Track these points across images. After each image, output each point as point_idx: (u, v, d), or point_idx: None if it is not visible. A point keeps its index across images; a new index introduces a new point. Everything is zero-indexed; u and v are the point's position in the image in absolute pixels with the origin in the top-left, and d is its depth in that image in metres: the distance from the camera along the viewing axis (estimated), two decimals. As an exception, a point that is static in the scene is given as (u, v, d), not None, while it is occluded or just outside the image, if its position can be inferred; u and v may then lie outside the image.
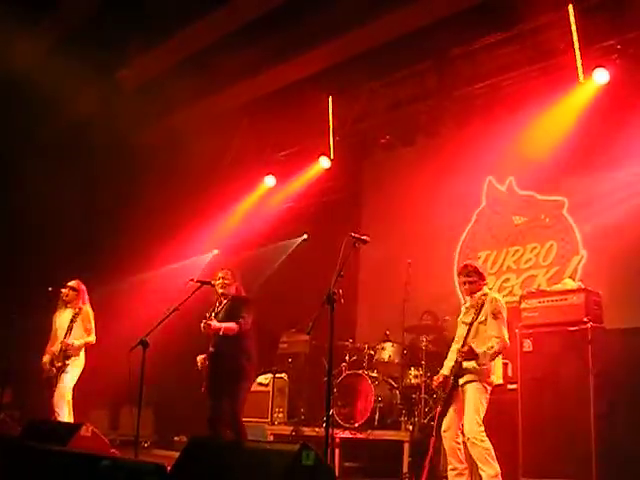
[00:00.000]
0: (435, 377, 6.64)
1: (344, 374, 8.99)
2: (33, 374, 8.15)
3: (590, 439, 6.65)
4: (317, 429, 8.74)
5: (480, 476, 6.07)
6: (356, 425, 8.51)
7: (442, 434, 6.28)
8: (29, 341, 8.51)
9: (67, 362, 7.84)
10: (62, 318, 8.16)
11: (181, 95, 10.51)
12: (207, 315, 7.04)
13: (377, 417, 8.49)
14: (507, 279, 9.67)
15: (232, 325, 6.85)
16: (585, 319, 7.07)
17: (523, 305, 7.65)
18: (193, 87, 10.50)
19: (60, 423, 7.37)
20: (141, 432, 6.67)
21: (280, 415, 9.92)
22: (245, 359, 7.00)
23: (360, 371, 8.87)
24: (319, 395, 8.68)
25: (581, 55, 8.40)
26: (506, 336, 6.32)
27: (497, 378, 6.70)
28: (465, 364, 6.22)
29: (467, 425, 6.10)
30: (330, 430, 5.53)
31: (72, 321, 7.98)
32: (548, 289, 7.97)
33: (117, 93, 10.67)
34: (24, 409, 10.25)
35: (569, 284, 7.80)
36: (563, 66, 8.72)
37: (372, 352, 9.16)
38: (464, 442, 6.18)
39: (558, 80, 8.85)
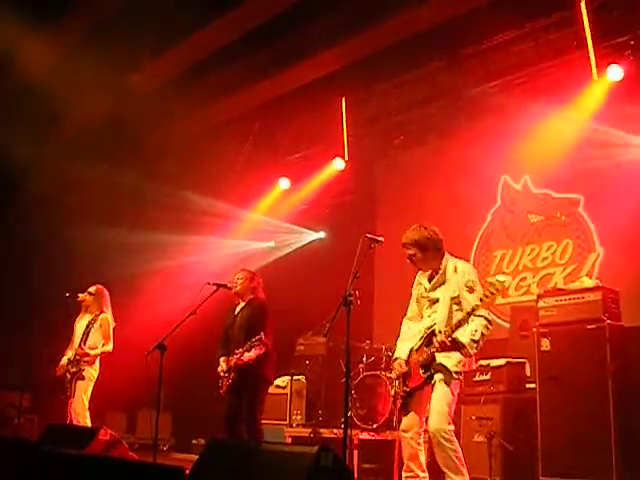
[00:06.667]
0: (396, 364, 5.59)
1: (362, 375, 8.97)
2: (51, 380, 8.17)
3: (610, 438, 6.60)
4: (335, 431, 8.74)
5: None
6: (374, 426, 8.49)
7: (401, 434, 5.46)
8: (48, 347, 8.54)
9: (82, 368, 7.86)
10: (81, 323, 8.17)
11: (193, 99, 10.52)
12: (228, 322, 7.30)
13: (395, 418, 8.47)
14: (524, 278, 9.63)
15: (258, 351, 6.91)
16: (603, 317, 7.02)
17: (540, 304, 7.60)
18: (205, 91, 10.52)
19: (78, 427, 7.38)
20: (159, 435, 6.69)
21: (298, 417, 9.91)
22: (265, 363, 7.14)
23: (378, 372, 8.84)
24: (337, 397, 8.65)
25: (594, 52, 8.36)
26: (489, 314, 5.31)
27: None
28: (441, 358, 5.32)
29: (435, 421, 5.18)
30: (348, 431, 5.51)
31: (88, 327, 7.99)
32: (565, 287, 7.90)
33: (130, 96, 10.68)
34: (42, 414, 10.30)
35: (586, 282, 7.74)
36: (576, 63, 8.68)
37: (389, 353, 9.12)
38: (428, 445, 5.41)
39: (571, 77, 8.81)
